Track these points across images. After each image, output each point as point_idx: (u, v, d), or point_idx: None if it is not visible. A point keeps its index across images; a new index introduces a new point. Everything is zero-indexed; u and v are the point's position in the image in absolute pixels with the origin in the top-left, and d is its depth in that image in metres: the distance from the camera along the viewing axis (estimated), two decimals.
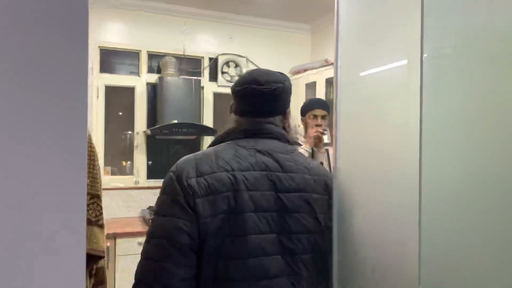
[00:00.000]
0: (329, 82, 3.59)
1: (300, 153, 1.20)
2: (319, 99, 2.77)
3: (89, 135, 1.35)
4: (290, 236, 1.04)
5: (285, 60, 4.33)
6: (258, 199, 1.02)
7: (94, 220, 1.37)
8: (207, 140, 4.08)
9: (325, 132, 2.48)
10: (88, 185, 1.36)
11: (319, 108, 2.57)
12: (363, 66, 1.20)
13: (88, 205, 1.35)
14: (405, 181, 0.99)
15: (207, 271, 0.98)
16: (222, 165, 1.04)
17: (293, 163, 1.11)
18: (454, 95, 1.09)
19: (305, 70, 3.95)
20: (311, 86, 3.78)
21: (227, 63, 4.15)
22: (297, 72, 4.09)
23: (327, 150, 2.60)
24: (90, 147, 1.37)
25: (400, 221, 1.00)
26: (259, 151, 1.09)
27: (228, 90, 4.15)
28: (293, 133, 1.22)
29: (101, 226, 1.40)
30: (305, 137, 2.55)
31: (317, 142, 2.45)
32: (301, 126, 2.64)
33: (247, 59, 4.21)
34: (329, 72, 3.49)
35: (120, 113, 3.93)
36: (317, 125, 2.50)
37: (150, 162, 3.93)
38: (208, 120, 4.07)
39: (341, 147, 1.12)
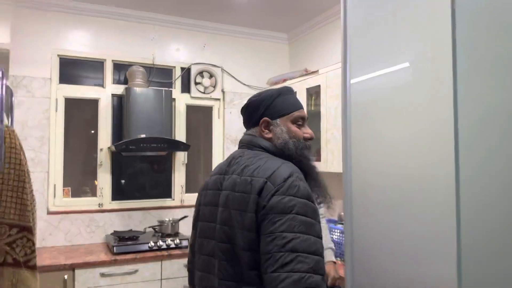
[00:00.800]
0: (310, 92, 3.35)
1: (253, 156, 1.29)
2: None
3: (17, 148, 1.03)
4: (218, 226, 1.25)
5: (263, 70, 4.09)
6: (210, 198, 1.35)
7: (24, 261, 1.04)
8: (180, 156, 3.76)
9: None
10: (13, 214, 1.03)
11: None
12: (380, 63, 0.98)
13: (14, 241, 1.02)
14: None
15: None
16: None
17: (235, 166, 1.29)
18: (490, 90, 0.85)
19: (284, 80, 3.70)
20: None
21: (200, 73, 3.87)
22: (276, 83, 3.84)
23: None
24: (16, 164, 1.04)
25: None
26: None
27: (202, 102, 3.87)
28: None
29: (33, 268, 1.06)
30: None
31: None
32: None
33: (222, 69, 3.94)
34: (310, 81, 3.26)
35: (82, 128, 3.57)
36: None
37: (116, 182, 3.57)
38: (180, 134, 3.76)
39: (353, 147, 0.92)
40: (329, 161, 3.02)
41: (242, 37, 4.04)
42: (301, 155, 1.31)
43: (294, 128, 1.34)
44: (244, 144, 1.36)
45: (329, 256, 2.31)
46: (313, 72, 3.24)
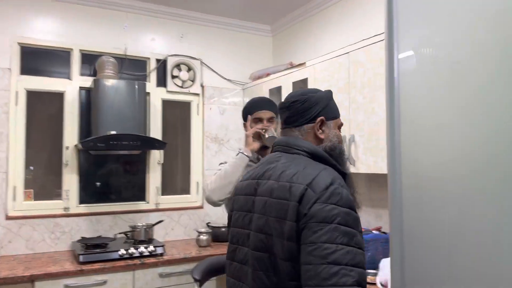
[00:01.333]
0: (297, 86, 3.12)
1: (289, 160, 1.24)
2: (264, 98, 2.25)
3: None
4: (252, 233, 1.21)
5: (245, 64, 3.84)
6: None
7: None
8: (155, 155, 3.47)
9: (267, 129, 2.03)
10: None
11: (265, 109, 2.09)
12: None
13: None
14: None
15: None
16: None
17: (272, 171, 1.23)
18: None
19: (268, 74, 3.46)
20: (275, 92, 3.30)
21: (178, 66, 3.59)
22: (259, 77, 3.60)
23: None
24: None
25: None
26: None
27: (179, 97, 3.60)
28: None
29: None
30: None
31: (258, 144, 2.03)
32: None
33: (202, 62, 3.67)
34: (296, 75, 3.03)
35: (46, 124, 3.23)
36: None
37: (83, 184, 3.25)
38: (155, 131, 3.47)
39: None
40: None
41: (223, 28, 3.78)
42: (343, 162, 1.30)
43: (339, 133, 1.35)
44: (281, 146, 1.30)
45: None
46: (299, 65, 3.01)
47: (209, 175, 3.54)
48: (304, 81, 2.95)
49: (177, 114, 3.69)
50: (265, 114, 2.08)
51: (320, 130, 1.29)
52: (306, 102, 1.29)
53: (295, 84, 3.09)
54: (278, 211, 1.13)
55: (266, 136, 1.99)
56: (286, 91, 3.12)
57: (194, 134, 3.66)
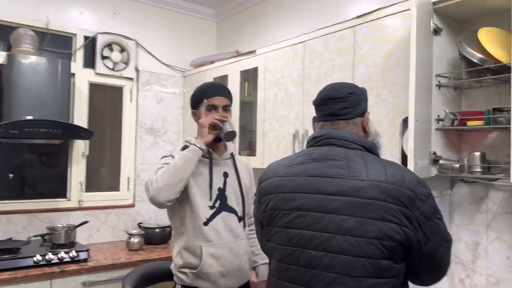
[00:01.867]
0: (246, 75, 2.89)
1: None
2: (218, 83, 1.97)
3: None
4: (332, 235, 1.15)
5: (186, 49, 3.53)
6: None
7: None
8: (79, 146, 3.04)
9: (225, 121, 1.75)
10: None
11: (220, 95, 1.80)
12: None
13: None
14: None
15: None
16: None
17: (342, 169, 1.17)
18: None
19: (212, 62, 3.19)
20: (221, 80, 3.04)
21: (109, 46, 3.17)
22: (201, 65, 3.31)
23: (232, 156, 1.87)
24: None
25: None
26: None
27: (110, 80, 3.18)
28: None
29: None
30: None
31: (212, 136, 1.73)
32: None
33: (137, 43, 3.29)
34: (245, 63, 2.80)
35: None
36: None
37: None
38: (81, 118, 3.03)
39: None
40: (265, 156, 2.59)
41: (163, 7, 3.43)
42: (379, 154, 1.30)
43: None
44: (338, 140, 1.22)
45: (264, 272, 1.89)
46: (249, 52, 2.78)
47: (146, 170, 3.22)
48: (254, 70, 2.73)
49: (107, 100, 3.28)
50: (221, 101, 1.79)
51: (367, 124, 1.30)
52: (360, 95, 1.29)
53: (243, 73, 2.86)
54: (376, 212, 1.09)
55: (225, 129, 1.71)
56: (233, 81, 2.88)
57: (126, 124, 3.28)
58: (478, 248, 1.87)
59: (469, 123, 1.73)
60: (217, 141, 1.78)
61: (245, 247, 1.81)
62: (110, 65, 3.16)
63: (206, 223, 1.71)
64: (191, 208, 1.71)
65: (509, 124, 1.56)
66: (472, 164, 1.73)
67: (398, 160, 1.87)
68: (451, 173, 1.75)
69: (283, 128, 2.48)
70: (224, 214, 1.75)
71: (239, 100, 2.84)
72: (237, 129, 2.75)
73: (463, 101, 1.93)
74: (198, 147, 1.68)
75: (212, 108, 1.77)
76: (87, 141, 3.03)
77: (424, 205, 1.10)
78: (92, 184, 3.12)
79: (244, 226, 1.83)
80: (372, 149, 1.24)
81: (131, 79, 3.28)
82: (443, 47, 1.83)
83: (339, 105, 1.26)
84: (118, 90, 3.27)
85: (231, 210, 1.78)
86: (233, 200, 1.80)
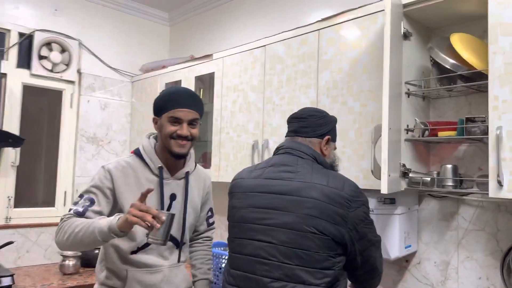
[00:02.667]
0: (201, 81, 2.69)
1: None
2: (189, 90, 1.55)
3: None
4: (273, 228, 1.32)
5: (136, 52, 3.28)
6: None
7: None
8: (8, 154, 2.67)
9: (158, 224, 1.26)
10: None
11: (187, 107, 1.45)
12: None
13: None
14: None
15: None
16: None
17: (293, 174, 1.35)
18: None
19: (164, 66, 2.96)
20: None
21: (48, 45, 2.86)
22: (152, 70, 3.07)
23: (187, 176, 1.57)
24: None
25: None
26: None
27: (48, 83, 2.85)
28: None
29: None
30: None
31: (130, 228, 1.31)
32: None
33: (81, 44, 3.00)
34: (200, 69, 2.59)
35: None
36: (179, 136, 1.45)
37: None
38: (10, 124, 2.68)
39: None
40: (222, 168, 2.38)
41: (112, 7, 3.17)
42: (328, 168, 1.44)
43: (336, 154, 1.52)
44: (294, 150, 1.40)
45: None
46: (205, 57, 2.58)
47: (86, 183, 2.86)
48: (210, 76, 2.54)
49: (44, 105, 2.94)
50: (187, 114, 1.45)
51: (325, 147, 1.44)
52: (322, 119, 1.45)
53: (198, 79, 2.66)
54: (313, 209, 1.25)
55: (150, 239, 1.27)
56: (187, 86, 2.66)
57: (65, 132, 2.95)
58: (448, 268, 1.75)
59: (441, 133, 1.62)
60: (177, 158, 1.50)
61: (183, 274, 1.57)
62: (49, 66, 2.84)
63: (135, 252, 1.45)
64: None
65: (483, 135, 1.47)
66: (444, 178, 1.62)
67: (367, 172, 1.73)
68: (422, 187, 1.63)
69: (241, 138, 2.29)
70: None
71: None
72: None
73: (431, 111, 1.84)
74: (112, 235, 1.28)
75: (175, 121, 1.45)
76: (18, 150, 2.67)
77: (358, 210, 1.27)
78: (22, 199, 2.75)
79: (180, 253, 1.56)
80: (323, 163, 1.39)
81: (72, 82, 2.97)
82: (412, 54, 1.73)
83: (298, 123, 1.45)
84: (57, 94, 2.94)
85: (170, 237, 1.46)
86: (174, 225, 1.42)
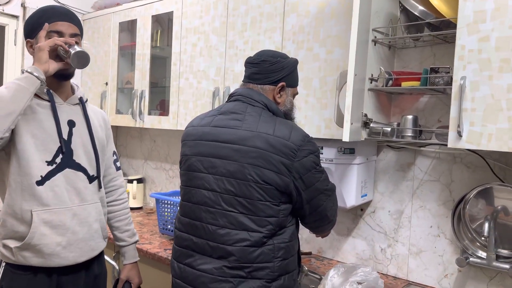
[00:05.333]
0: (159, 22, 2.52)
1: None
2: (63, 7, 1.44)
3: None
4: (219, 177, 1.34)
5: None
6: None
7: None
8: None
9: (71, 44, 1.30)
10: None
11: (67, 21, 1.38)
12: None
13: None
14: None
15: None
16: None
17: (240, 121, 1.33)
18: None
19: (118, 4, 2.74)
20: (128, 26, 2.62)
21: None
22: (105, 7, 2.84)
23: (81, 101, 1.45)
24: None
25: None
26: None
27: None
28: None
29: None
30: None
31: (56, 65, 1.29)
32: None
33: None
34: (157, 7, 2.41)
35: None
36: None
37: None
38: None
39: None
40: (180, 115, 2.29)
41: None
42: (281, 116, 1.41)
43: (293, 100, 1.45)
44: (244, 97, 1.37)
45: (133, 253, 1.64)
46: None
47: None
48: (169, 15, 2.37)
49: None
50: (68, 28, 1.36)
51: (279, 94, 1.39)
52: (275, 64, 1.37)
53: (156, 19, 2.48)
54: (256, 159, 1.25)
55: (72, 51, 1.26)
56: (143, 26, 2.49)
57: (8, 71, 2.71)
58: (402, 217, 1.80)
59: (404, 83, 1.60)
60: (61, 78, 1.36)
61: (97, 213, 1.46)
62: None
63: (40, 182, 1.30)
64: (18, 162, 1.29)
65: (447, 85, 1.46)
66: (403, 128, 1.62)
67: (329, 121, 1.70)
68: (382, 137, 1.63)
69: (202, 84, 2.19)
70: (68, 172, 1.36)
71: (149, 52, 2.47)
72: (144, 84, 2.40)
73: (396, 61, 1.81)
74: (35, 75, 1.21)
75: (56, 35, 1.34)
76: None
77: (304, 159, 1.27)
78: None
79: (100, 187, 1.47)
80: (275, 111, 1.36)
81: (15, 17, 2.69)
82: (381, 0, 1.66)
83: (251, 69, 1.40)
84: None
85: (79, 168, 1.39)
86: (81, 155, 1.40)
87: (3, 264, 1.32)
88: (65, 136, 1.37)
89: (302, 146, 1.26)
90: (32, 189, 1.30)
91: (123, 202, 1.64)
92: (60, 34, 1.34)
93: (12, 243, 1.30)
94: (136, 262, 1.63)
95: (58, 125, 1.35)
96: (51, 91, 1.36)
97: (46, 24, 1.33)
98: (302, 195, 1.28)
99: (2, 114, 1.17)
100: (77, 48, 1.28)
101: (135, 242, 1.64)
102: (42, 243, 1.30)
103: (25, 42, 1.40)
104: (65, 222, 1.35)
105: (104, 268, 1.54)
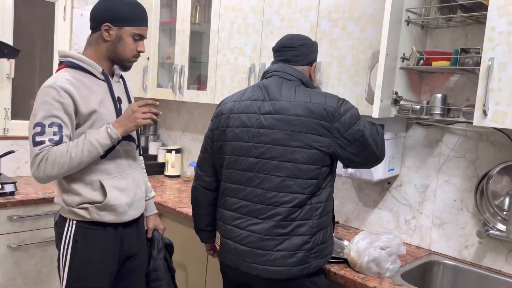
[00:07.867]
0: (196, 1, 2.62)
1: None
2: (143, 8, 1.57)
3: None
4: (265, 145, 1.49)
5: None
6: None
7: None
8: (2, 66, 2.65)
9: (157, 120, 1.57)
10: None
11: (146, 26, 1.58)
12: None
13: None
14: None
15: None
16: None
17: (279, 94, 1.48)
18: None
19: None
20: (168, 3, 2.74)
21: None
22: None
23: (122, 78, 1.71)
24: None
25: None
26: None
27: None
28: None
29: None
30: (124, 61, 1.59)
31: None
32: None
33: None
34: None
35: None
36: (139, 52, 1.59)
37: None
38: (4, 34, 2.62)
39: None
40: (217, 90, 2.42)
41: None
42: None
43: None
44: (281, 73, 1.51)
45: (152, 206, 1.89)
46: None
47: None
48: None
49: (36, 17, 2.86)
50: (146, 32, 1.58)
51: (314, 74, 1.60)
52: (311, 46, 1.57)
53: None
54: (299, 126, 1.40)
55: (148, 132, 1.53)
56: (183, 2, 2.60)
57: (58, 45, 2.90)
58: (427, 191, 1.89)
59: (435, 63, 1.66)
60: (125, 70, 1.63)
61: (143, 177, 1.76)
62: None
63: (104, 155, 1.50)
64: None
65: (476, 66, 1.51)
66: (432, 106, 1.69)
67: (360, 98, 1.79)
68: (411, 114, 1.70)
69: (238, 61, 2.30)
70: (124, 143, 1.56)
71: (189, 28, 2.59)
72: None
73: (428, 41, 1.86)
74: (112, 142, 1.46)
75: (138, 37, 1.54)
76: (12, 61, 2.65)
77: (342, 118, 1.40)
78: (19, 111, 2.78)
79: (140, 153, 1.74)
80: (308, 84, 1.51)
81: None
82: None
83: (290, 52, 1.54)
84: (50, 6, 2.85)
85: (130, 139, 1.59)
86: None
87: (74, 222, 1.53)
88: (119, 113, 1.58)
89: (337, 107, 1.40)
90: (98, 162, 1.50)
91: (142, 163, 1.86)
92: (141, 37, 1.55)
93: (91, 205, 1.51)
94: (156, 213, 1.87)
95: (115, 103, 1.56)
96: (104, 71, 1.55)
97: (133, 28, 1.52)
98: (347, 150, 1.41)
99: (62, 173, 1.42)
100: (150, 132, 1.52)
101: (153, 197, 1.88)
102: (116, 204, 1.53)
103: (103, 25, 1.49)
104: (129, 186, 1.58)
105: (143, 220, 1.78)
